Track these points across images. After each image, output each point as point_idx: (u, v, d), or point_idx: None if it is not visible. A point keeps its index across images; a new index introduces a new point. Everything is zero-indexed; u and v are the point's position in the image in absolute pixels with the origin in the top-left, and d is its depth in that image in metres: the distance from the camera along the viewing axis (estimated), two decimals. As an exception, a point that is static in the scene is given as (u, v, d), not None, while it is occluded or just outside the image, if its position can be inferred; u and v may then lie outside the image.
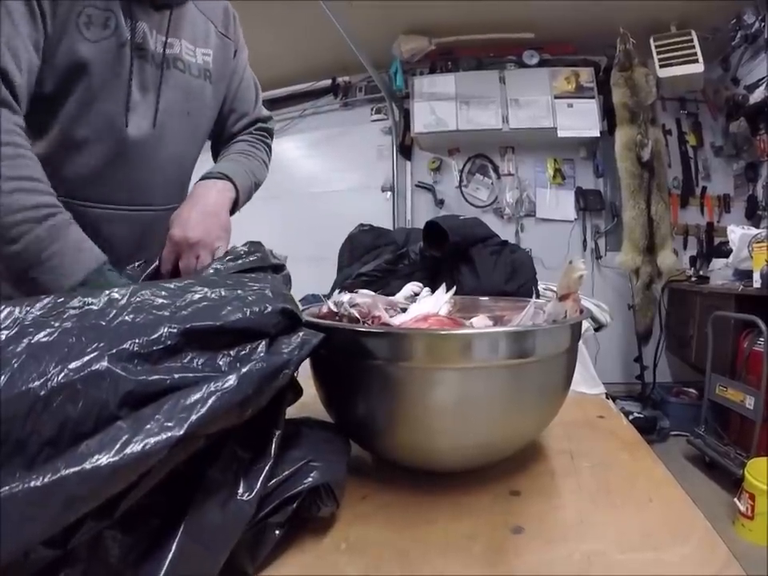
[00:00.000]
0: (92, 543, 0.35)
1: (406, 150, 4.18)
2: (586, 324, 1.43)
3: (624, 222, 3.36)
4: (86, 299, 0.42)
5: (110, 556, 0.36)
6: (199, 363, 0.42)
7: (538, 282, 1.50)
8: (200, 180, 0.92)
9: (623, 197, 3.35)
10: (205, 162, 1.07)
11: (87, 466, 0.31)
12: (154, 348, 0.40)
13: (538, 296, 0.88)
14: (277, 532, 0.45)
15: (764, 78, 3.11)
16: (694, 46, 3.27)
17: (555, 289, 0.67)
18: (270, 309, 0.48)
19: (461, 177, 4.11)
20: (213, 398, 0.37)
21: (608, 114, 3.61)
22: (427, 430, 0.55)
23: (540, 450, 0.69)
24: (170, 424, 0.35)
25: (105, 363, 0.37)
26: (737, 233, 2.87)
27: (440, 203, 4.11)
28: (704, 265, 3.54)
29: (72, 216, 0.75)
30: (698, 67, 3.27)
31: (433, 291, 0.82)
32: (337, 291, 0.72)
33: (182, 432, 0.35)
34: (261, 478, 0.43)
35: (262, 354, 0.45)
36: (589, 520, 0.51)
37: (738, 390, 2.45)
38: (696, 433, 2.65)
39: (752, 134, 3.30)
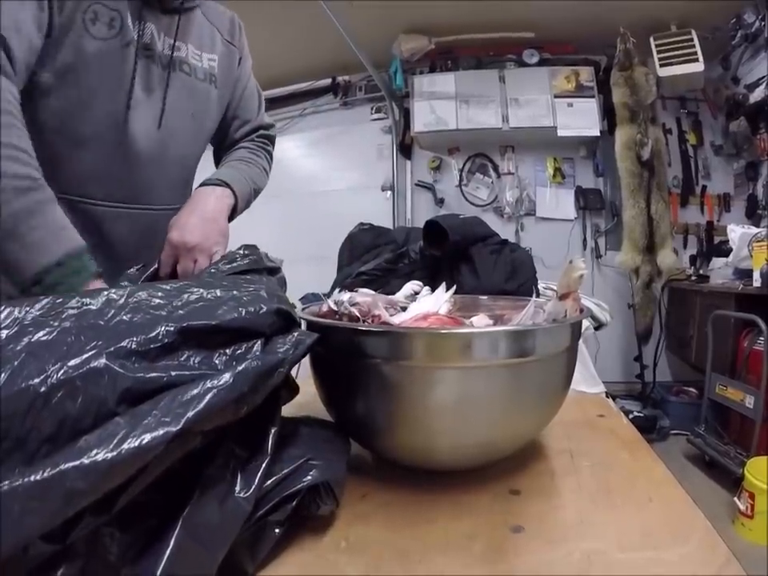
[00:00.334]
0: (90, 540, 0.35)
1: (405, 149, 4.18)
2: (586, 323, 1.43)
3: (624, 221, 3.36)
4: (84, 300, 0.43)
5: (109, 553, 0.36)
6: (196, 361, 0.42)
7: (538, 281, 1.49)
8: (199, 186, 0.93)
9: (623, 196, 3.35)
10: (205, 164, 1.08)
11: (86, 460, 0.32)
12: (152, 346, 0.40)
13: (538, 295, 0.88)
14: (276, 530, 0.45)
15: (764, 77, 3.11)
16: (694, 45, 3.27)
17: (555, 288, 0.67)
18: (265, 309, 0.49)
19: (461, 176, 4.11)
20: (209, 394, 0.38)
21: (608, 113, 3.61)
22: (427, 429, 0.55)
23: (540, 449, 0.69)
24: (166, 419, 0.35)
25: (103, 361, 0.37)
26: (737, 232, 2.87)
27: (440, 202, 4.11)
28: (704, 264, 3.53)
29: (74, 213, 0.75)
30: (698, 66, 3.27)
31: (433, 290, 0.82)
32: (337, 290, 0.72)
33: (178, 427, 0.35)
34: (258, 475, 0.43)
35: (257, 353, 0.46)
36: (589, 519, 0.51)
37: (737, 389, 2.45)
38: (696, 432, 2.65)
39: (752, 133, 3.30)
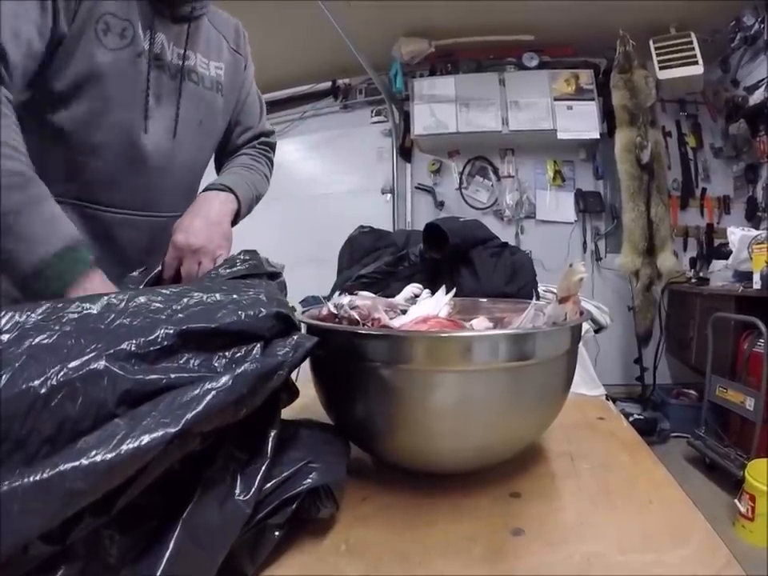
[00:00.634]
0: (90, 542, 0.35)
1: (405, 152, 4.18)
2: (586, 326, 1.44)
3: (624, 224, 3.37)
4: (84, 304, 0.43)
5: (108, 555, 0.36)
6: (195, 364, 0.43)
7: (538, 284, 1.50)
8: (204, 191, 0.94)
9: (623, 199, 3.35)
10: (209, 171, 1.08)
11: (85, 461, 0.32)
12: (151, 349, 0.40)
13: (538, 298, 0.88)
14: (276, 533, 0.45)
15: (763, 79, 3.12)
16: (693, 48, 3.28)
17: (555, 291, 0.67)
18: (264, 312, 0.49)
19: (461, 179, 4.11)
20: (208, 396, 0.38)
21: (608, 116, 3.61)
22: (427, 432, 0.55)
23: (540, 452, 0.69)
24: (166, 420, 0.35)
25: (103, 363, 0.37)
26: (737, 234, 2.87)
27: (440, 205, 4.11)
28: (704, 266, 3.53)
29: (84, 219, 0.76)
30: (698, 69, 3.27)
31: (433, 293, 0.82)
32: (337, 293, 0.72)
33: (177, 428, 0.35)
34: (258, 478, 0.44)
35: (256, 356, 0.46)
36: (589, 522, 0.51)
37: (738, 392, 2.45)
38: (696, 434, 2.65)
39: (752, 136, 3.31)
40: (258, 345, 0.47)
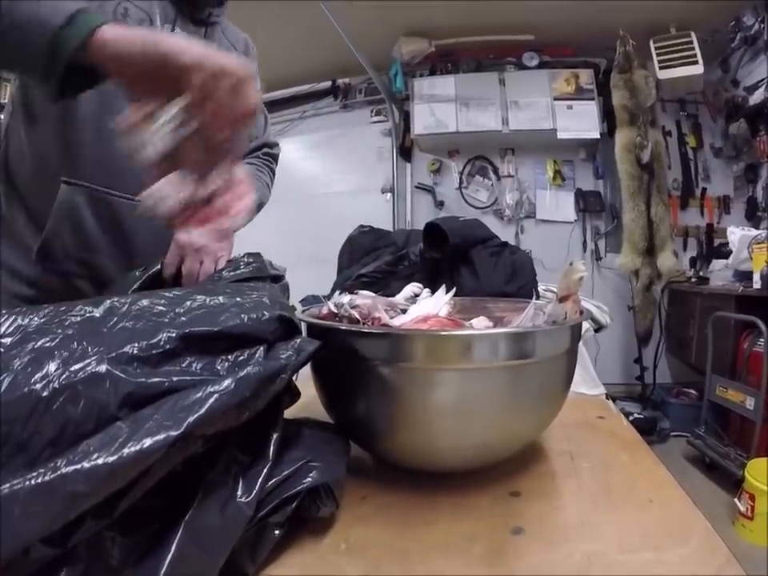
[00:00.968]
0: (92, 544, 0.35)
1: (405, 151, 4.18)
2: (586, 325, 1.44)
3: (624, 224, 3.37)
4: (86, 308, 0.43)
5: (110, 557, 0.36)
6: (198, 367, 0.43)
7: (538, 284, 1.50)
8: None
9: (623, 198, 3.35)
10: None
11: (87, 464, 0.32)
12: (154, 352, 0.40)
13: (538, 297, 0.88)
14: (276, 532, 0.45)
15: (764, 79, 3.12)
16: (693, 48, 3.28)
17: (555, 290, 0.67)
18: (267, 316, 0.49)
19: (461, 178, 4.11)
20: (211, 399, 0.38)
21: (608, 115, 3.61)
22: (427, 431, 0.55)
23: (540, 450, 0.69)
24: (168, 423, 0.35)
25: (105, 366, 0.37)
26: (737, 234, 2.88)
27: (440, 205, 4.11)
28: (704, 266, 3.54)
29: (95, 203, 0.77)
30: (698, 69, 3.27)
31: (433, 292, 0.82)
32: (337, 292, 0.72)
33: (180, 431, 0.35)
34: (260, 480, 0.44)
35: (259, 359, 0.46)
36: (589, 521, 0.51)
37: (738, 391, 2.45)
38: (696, 433, 2.65)
39: (752, 136, 3.31)
40: (261, 348, 0.47)
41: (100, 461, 0.32)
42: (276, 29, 3.30)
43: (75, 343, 0.38)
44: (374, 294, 0.78)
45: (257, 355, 0.46)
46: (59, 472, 0.31)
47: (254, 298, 0.51)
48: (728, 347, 2.64)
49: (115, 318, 0.43)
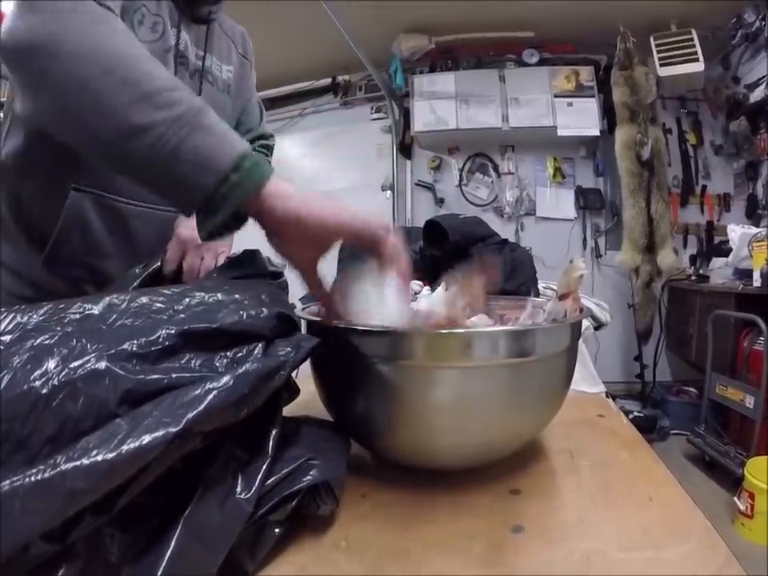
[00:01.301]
0: (91, 541, 0.35)
1: (405, 148, 4.18)
2: (585, 323, 1.43)
3: (624, 221, 3.37)
4: (85, 305, 0.43)
5: (109, 554, 0.36)
6: (197, 364, 0.43)
7: (538, 281, 1.50)
8: None
9: (623, 195, 3.36)
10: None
11: (86, 460, 0.32)
12: (153, 349, 0.40)
13: (537, 295, 0.88)
14: (276, 530, 0.45)
15: (764, 76, 3.11)
16: (694, 45, 3.27)
17: (555, 288, 0.67)
18: (266, 312, 0.49)
19: (461, 175, 4.11)
20: (210, 395, 0.38)
21: (608, 112, 3.61)
22: (427, 428, 0.55)
23: (540, 449, 0.69)
24: (167, 420, 0.35)
25: (104, 363, 0.37)
26: (737, 232, 2.88)
27: (440, 202, 4.11)
28: (704, 264, 3.54)
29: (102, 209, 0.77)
30: (699, 66, 3.27)
31: (433, 290, 0.81)
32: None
33: (179, 428, 0.35)
34: (259, 476, 0.44)
35: (258, 356, 0.46)
36: (589, 519, 0.51)
37: (738, 389, 2.45)
38: (696, 432, 2.66)
39: (752, 133, 3.31)
40: (260, 345, 0.47)
41: (99, 457, 0.32)
42: (276, 26, 3.29)
43: (74, 340, 0.38)
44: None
45: (255, 352, 0.46)
46: (59, 469, 0.31)
47: (253, 295, 0.51)
48: (728, 345, 2.64)
49: (114, 316, 0.43)
